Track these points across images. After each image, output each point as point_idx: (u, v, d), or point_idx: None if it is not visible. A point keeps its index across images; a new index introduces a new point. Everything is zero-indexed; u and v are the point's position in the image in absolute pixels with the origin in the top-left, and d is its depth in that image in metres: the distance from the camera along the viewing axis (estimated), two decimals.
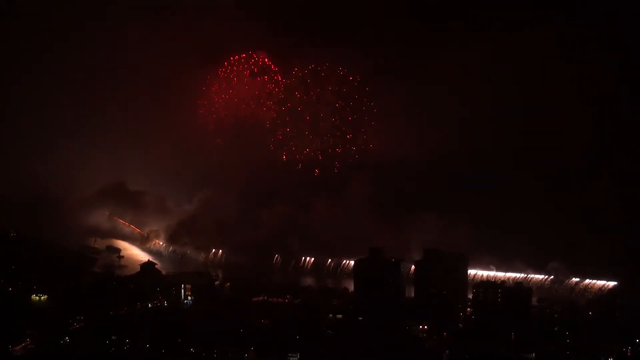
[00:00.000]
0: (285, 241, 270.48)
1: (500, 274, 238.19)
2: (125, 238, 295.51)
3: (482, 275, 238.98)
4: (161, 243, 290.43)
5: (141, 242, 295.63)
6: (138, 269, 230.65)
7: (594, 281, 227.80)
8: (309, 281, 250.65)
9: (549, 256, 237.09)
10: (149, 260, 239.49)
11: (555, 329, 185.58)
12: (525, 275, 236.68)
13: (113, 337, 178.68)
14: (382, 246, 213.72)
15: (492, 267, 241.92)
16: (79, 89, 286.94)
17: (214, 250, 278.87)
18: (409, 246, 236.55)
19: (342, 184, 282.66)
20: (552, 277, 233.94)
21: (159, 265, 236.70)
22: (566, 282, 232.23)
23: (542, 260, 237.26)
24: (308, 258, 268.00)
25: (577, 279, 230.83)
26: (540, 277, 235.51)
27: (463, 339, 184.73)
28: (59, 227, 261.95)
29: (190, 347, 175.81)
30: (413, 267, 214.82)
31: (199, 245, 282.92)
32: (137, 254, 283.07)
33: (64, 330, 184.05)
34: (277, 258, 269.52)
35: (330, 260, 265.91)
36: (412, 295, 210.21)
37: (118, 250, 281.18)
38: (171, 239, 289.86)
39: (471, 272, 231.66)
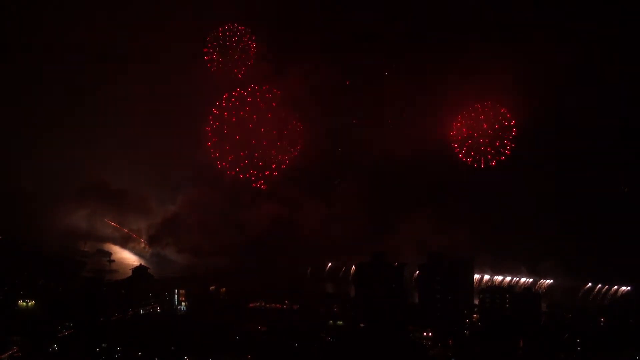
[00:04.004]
0: (277, 243, 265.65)
1: (507, 278, 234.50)
2: (107, 239, 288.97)
3: (488, 279, 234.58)
4: (143, 244, 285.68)
5: (122, 243, 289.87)
6: (129, 273, 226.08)
7: (606, 286, 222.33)
8: (307, 286, 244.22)
9: (550, 258, 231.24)
10: (140, 264, 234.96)
11: (566, 336, 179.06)
12: (532, 279, 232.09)
13: (103, 344, 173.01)
14: (384, 250, 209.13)
15: (487, 269, 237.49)
16: (59, 82, 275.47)
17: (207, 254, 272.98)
18: (410, 249, 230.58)
19: (336, 184, 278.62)
20: (559, 281, 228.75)
21: (151, 269, 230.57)
22: (579, 287, 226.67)
23: (544, 263, 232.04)
24: (307, 262, 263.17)
25: (589, 284, 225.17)
26: (550, 281, 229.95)
27: (469, 346, 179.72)
28: (36, 228, 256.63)
29: (184, 354, 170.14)
30: (418, 271, 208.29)
31: (182, 247, 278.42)
32: (128, 258, 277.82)
33: (53, 338, 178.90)
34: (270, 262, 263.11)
35: (330, 264, 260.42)
36: (416, 300, 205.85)
37: (109, 253, 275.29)
38: (152, 239, 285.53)
39: (476, 276, 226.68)
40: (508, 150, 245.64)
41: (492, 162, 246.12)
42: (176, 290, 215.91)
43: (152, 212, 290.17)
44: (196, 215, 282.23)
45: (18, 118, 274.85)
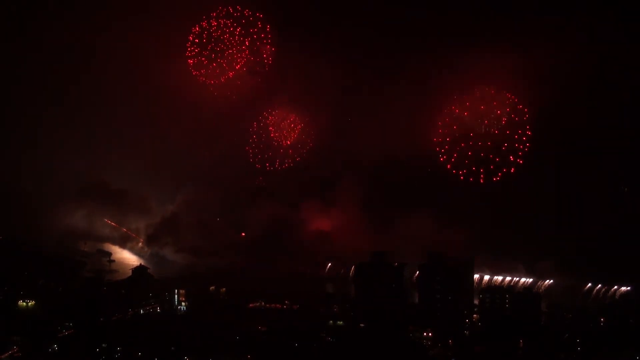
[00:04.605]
0: (277, 243, 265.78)
1: (507, 279, 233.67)
2: (106, 239, 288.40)
3: (488, 279, 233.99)
4: (140, 244, 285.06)
5: (121, 242, 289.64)
6: (129, 273, 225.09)
7: (606, 286, 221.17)
8: (307, 286, 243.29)
9: (550, 259, 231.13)
10: (140, 264, 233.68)
11: (566, 336, 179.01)
12: (532, 279, 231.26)
13: (103, 344, 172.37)
14: (384, 250, 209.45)
15: (486, 269, 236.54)
16: (58, 82, 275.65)
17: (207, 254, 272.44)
18: (410, 249, 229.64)
19: (333, 184, 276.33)
20: (559, 281, 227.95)
21: (150, 270, 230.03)
22: (579, 287, 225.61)
23: (544, 263, 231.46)
24: (307, 262, 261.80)
25: (589, 284, 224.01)
26: (550, 281, 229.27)
27: (469, 346, 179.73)
28: (36, 228, 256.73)
29: (184, 354, 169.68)
30: (418, 272, 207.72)
31: (181, 247, 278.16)
32: (128, 258, 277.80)
33: (53, 338, 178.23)
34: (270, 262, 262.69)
35: (330, 264, 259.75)
36: (416, 300, 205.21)
37: (109, 254, 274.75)
38: (150, 239, 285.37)
39: (476, 276, 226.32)
40: (521, 159, 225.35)
41: (497, 175, 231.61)
42: (176, 290, 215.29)
43: (151, 212, 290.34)
44: (195, 215, 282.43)
45: (18, 118, 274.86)
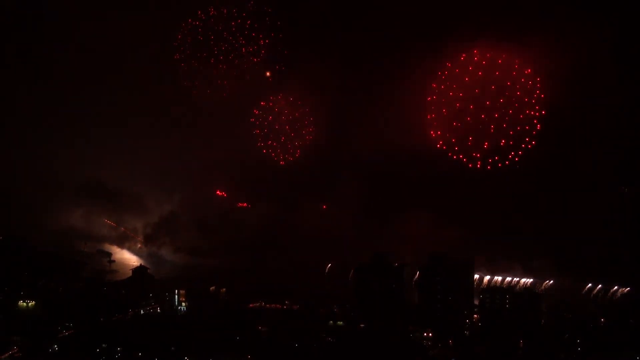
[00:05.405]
0: (277, 243, 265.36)
1: (507, 279, 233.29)
2: (104, 239, 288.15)
3: (488, 280, 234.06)
4: (140, 244, 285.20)
5: (118, 242, 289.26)
6: (129, 273, 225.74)
7: (606, 286, 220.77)
8: (307, 286, 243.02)
9: (550, 259, 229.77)
10: (140, 264, 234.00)
11: (566, 336, 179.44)
12: (532, 279, 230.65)
13: (104, 345, 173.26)
14: (384, 250, 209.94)
15: (486, 269, 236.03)
16: (56, 82, 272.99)
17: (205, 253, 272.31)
18: (410, 250, 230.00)
19: (331, 183, 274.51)
20: (559, 281, 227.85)
21: (150, 270, 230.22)
22: (579, 287, 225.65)
23: (544, 263, 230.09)
24: (307, 262, 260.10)
25: (589, 284, 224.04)
26: (550, 281, 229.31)
27: (469, 346, 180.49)
28: (36, 228, 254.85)
29: (184, 354, 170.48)
30: (418, 272, 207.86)
31: (179, 247, 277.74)
32: (128, 258, 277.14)
33: (53, 338, 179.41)
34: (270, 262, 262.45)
35: (330, 264, 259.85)
36: (416, 300, 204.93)
37: (109, 254, 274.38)
38: (148, 238, 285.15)
39: (475, 276, 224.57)
40: (531, 142, 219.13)
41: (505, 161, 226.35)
42: (176, 290, 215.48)
43: (149, 212, 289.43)
44: (193, 214, 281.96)
45: (16, 118, 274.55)
